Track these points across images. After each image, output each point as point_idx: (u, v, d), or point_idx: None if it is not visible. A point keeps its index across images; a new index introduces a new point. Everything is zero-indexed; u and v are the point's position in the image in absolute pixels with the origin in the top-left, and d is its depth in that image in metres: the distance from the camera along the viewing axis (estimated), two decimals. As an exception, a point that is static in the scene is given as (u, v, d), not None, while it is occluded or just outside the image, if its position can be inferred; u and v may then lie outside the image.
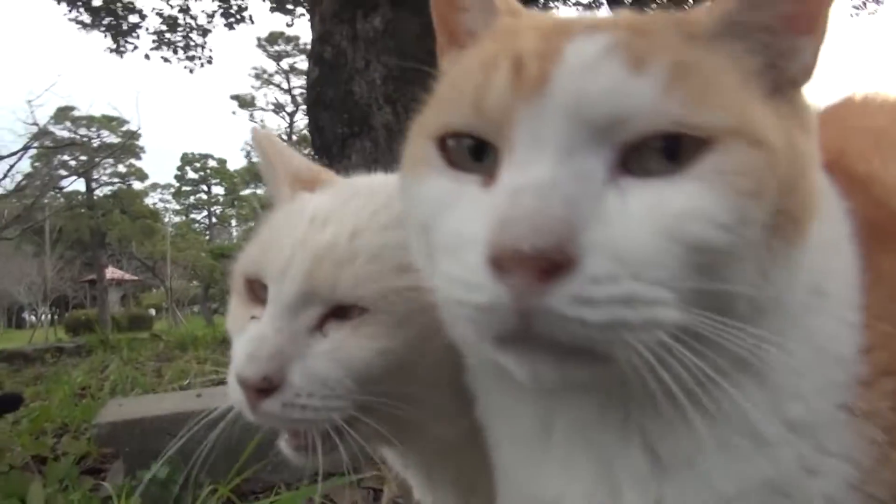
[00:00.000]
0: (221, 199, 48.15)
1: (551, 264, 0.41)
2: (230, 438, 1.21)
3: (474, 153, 0.51)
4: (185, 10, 11.80)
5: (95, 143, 32.32)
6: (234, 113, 39.90)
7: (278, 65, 37.21)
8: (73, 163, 30.23)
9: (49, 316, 30.64)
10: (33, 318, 36.95)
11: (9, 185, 20.50)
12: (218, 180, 46.60)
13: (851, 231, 0.59)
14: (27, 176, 23.46)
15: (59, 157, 27.86)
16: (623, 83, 0.45)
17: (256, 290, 0.81)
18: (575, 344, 0.43)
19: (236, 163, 48.80)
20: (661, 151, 0.45)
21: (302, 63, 34.68)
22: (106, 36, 11.61)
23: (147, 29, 11.80)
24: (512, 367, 0.47)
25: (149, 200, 43.11)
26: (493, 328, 0.45)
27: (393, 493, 1.69)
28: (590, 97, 0.45)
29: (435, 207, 0.51)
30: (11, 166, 19.46)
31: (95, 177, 34.52)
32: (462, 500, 0.96)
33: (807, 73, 0.53)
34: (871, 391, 0.53)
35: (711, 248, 0.43)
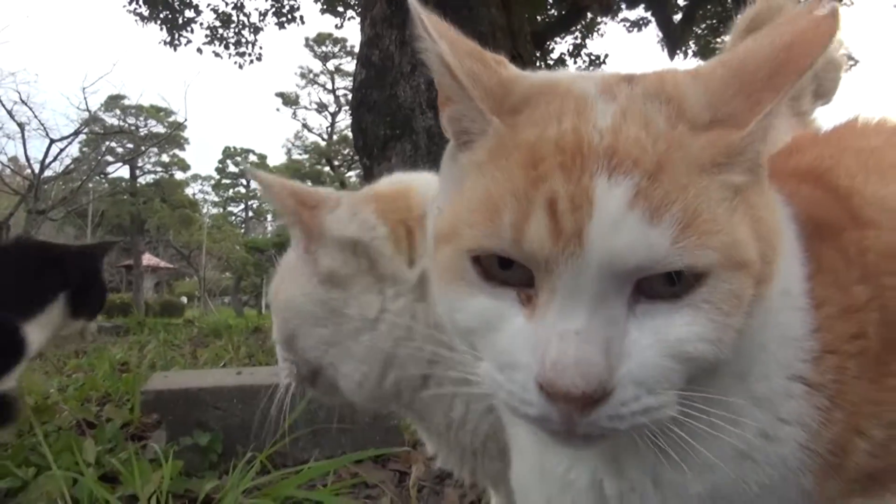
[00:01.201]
0: (259, 193, 48.93)
1: (593, 400, 0.53)
2: (267, 414, 1.32)
3: (504, 262, 0.58)
4: (238, 7, 12.13)
5: (142, 131, 33.12)
6: (277, 110, 40.75)
7: (324, 65, 37.75)
8: (119, 150, 31.04)
9: (86, 297, 31.23)
10: (70, 298, 37.79)
11: (57, 167, 21.12)
12: (257, 175, 47.29)
13: (796, 232, 0.69)
14: (75, 160, 24.15)
15: (106, 143, 28.59)
16: (644, 236, 0.52)
17: None
18: (604, 437, 0.58)
19: (276, 159, 49.55)
20: (666, 278, 0.55)
21: (347, 65, 35.15)
22: (161, 29, 11.97)
23: (201, 24, 12.16)
24: (552, 441, 0.60)
25: (189, 191, 44.05)
26: (540, 427, 0.58)
27: (420, 474, 1.77)
28: (619, 255, 0.53)
29: (479, 324, 0.60)
30: (62, 150, 20.06)
31: (140, 165, 35.37)
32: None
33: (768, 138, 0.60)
34: (820, 365, 0.63)
35: (701, 358, 0.56)
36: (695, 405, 0.57)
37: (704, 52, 13.51)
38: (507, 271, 0.58)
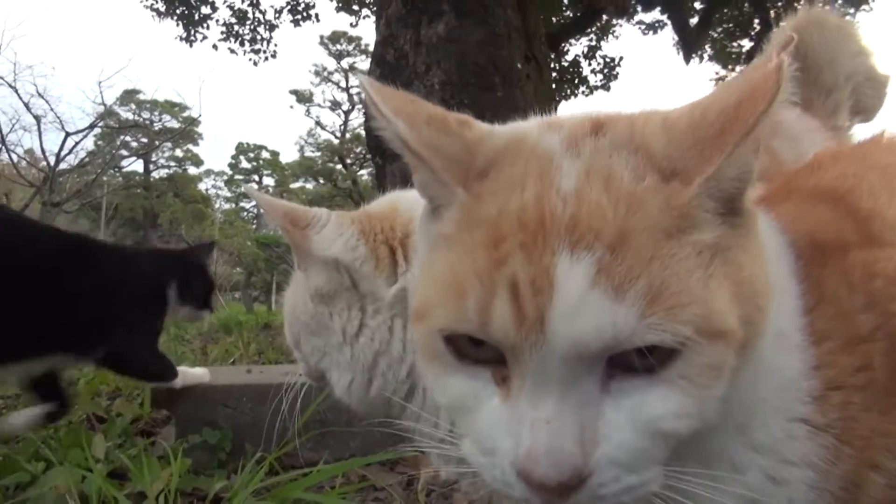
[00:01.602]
0: (271, 190, 48.95)
1: (570, 487, 0.53)
2: (278, 414, 1.32)
3: (476, 340, 0.57)
4: (254, 4, 12.16)
5: (157, 126, 33.32)
6: (291, 107, 40.72)
7: (338, 63, 37.78)
8: (134, 144, 31.24)
9: (98, 290, 31.47)
10: (83, 290, 38.07)
11: (73, 160, 21.26)
12: (269, 171, 47.46)
13: (792, 262, 0.66)
14: (90, 153, 24.29)
15: (121, 137, 28.81)
16: (608, 316, 0.51)
17: None
18: None
19: (289, 156, 49.70)
20: (639, 352, 0.52)
21: (361, 63, 35.22)
22: (178, 24, 12.02)
23: (217, 20, 12.20)
24: None
25: (202, 186, 44.19)
26: None
27: (428, 478, 1.75)
28: (582, 339, 0.51)
29: (457, 405, 0.60)
30: (77, 143, 20.22)
31: (154, 159, 35.64)
32: None
33: (751, 184, 0.57)
34: (824, 405, 0.61)
35: (681, 433, 0.54)
36: (682, 479, 0.56)
37: (720, 55, 13.44)
38: (479, 349, 0.57)
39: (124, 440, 2.15)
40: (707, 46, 13.33)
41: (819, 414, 0.61)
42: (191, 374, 2.22)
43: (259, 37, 12.55)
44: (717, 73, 14.39)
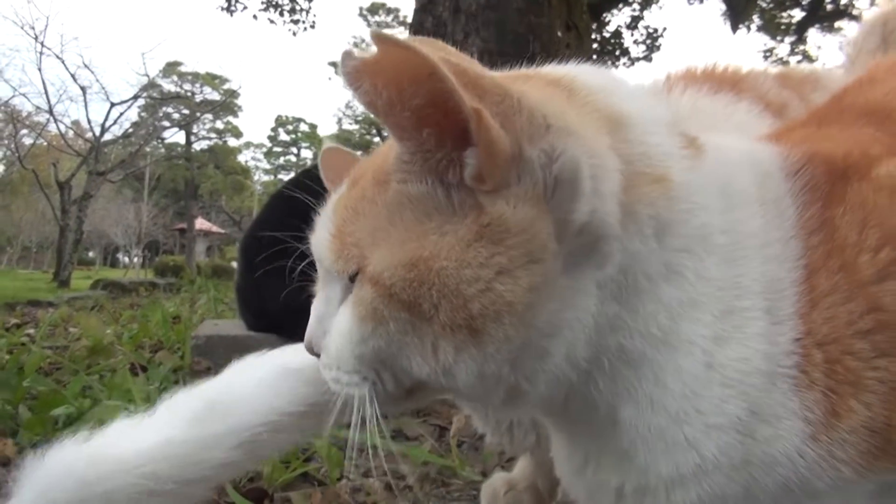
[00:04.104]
0: (309, 162, 49.34)
1: (313, 353, 0.68)
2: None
3: None
4: (294, -27, 12.17)
5: (198, 98, 33.74)
6: (329, 79, 40.71)
7: (376, 35, 37.55)
8: (176, 115, 31.70)
9: (141, 259, 32.40)
10: (126, 259, 39.18)
11: (117, 131, 21.65)
12: (308, 144, 47.80)
13: (798, 216, 0.61)
14: (134, 124, 24.72)
15: (163, 108, 29.29)
16: (321, 237, 0.65)
17: None
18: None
19: (327, 128, 49.89)
20: None
21: (400, 35, 34.96)
22: (219, -6, 12.11)
23: (258, -11, 12.25)
24: None
25: (241, 158, 44.88)
26: None
27: (460, 426, 1.77)
28: (314, 252, 0.67)
29: None
30: (121, 114, 20.54)
31: (195, 131, 36.18)
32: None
33: (482, 180, 0.55)
34: (807, 366, 0.57)
35: (361, 354, 0.61)
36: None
37: (769, 26, 13.01)
38: None
39: (165, 387, 2.21)
40: (755, 16, 12.91)
41: (802, 378, 0.56)
42: None
43: (298, 7, 12.59)
44: (765, 45, 13.96)
